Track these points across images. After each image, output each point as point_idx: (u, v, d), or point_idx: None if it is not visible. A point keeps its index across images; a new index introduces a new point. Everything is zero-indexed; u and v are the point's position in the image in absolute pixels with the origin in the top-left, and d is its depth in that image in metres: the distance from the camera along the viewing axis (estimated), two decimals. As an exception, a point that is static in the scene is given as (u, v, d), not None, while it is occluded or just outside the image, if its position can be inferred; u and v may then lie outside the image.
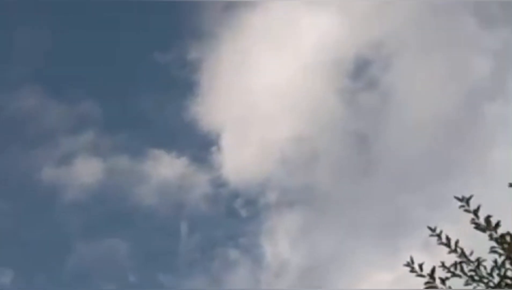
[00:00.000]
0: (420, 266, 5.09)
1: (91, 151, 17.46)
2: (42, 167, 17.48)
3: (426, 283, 5.07)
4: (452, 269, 5.03)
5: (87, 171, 16.48)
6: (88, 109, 17.64)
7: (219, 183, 15.47)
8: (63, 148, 17.55)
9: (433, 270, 5.08)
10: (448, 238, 5.06)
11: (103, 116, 17.87)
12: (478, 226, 4.99)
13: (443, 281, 5.05)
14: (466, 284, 5.00)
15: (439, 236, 5.07)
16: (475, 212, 5.00)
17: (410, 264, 5.09)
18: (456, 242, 5.04)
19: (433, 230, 5.10)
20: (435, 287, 5.06)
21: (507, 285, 4.87)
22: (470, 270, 4.99)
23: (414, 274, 5.08)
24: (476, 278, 4.98)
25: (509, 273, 4.87)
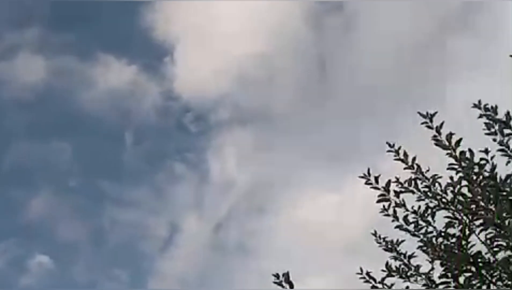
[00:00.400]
0: (376, 178, 5.21)
1: (36, 48, 16.89)
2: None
3: (380, 195, 5.21)
4: (406, 184, 5.18)
5: (30, 68, 15.97)
6: (35, 2, 16.92)
7: (170, 96, 15.27)
8: (5, 42, 16.94)
9: (388, 183, 5.20)
10: (405, 154, 5.17)
11: (51, 12, 17.16)
12: (439, 143, 5.10)
13: (397, 194, 5.19)
14: (419, 199, 5.15)
15: (397, 152, 5.18)
16: (437, 129, 5.10)
17: (366, 175, 5.21)
18: (413, 159, 5.16)
19: (391, 146, 5.20)
20: (388, 199, 5.20)
21: (459, 202, 5.03)
22: (425, 186, 5.14)
23: (369, 186, 5.21)
24: (430, 194, 5.13)
25: (463, 190, 5.02)
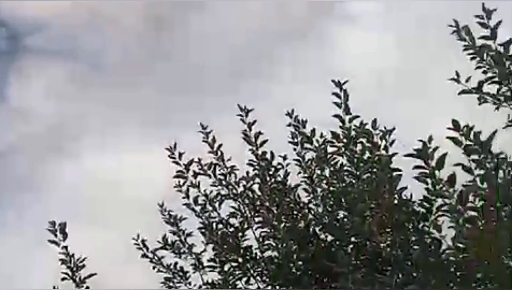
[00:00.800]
0: (180, 155, 5.39)
1: None
2: None
3: (179, 171, 5.40)
4: (206, 168, 5.39)
5: None
6: None
7: None
8: None
9: (190, 163, 5.40)
10: (214, 139, 5.39)
11: None
12: (246, 138, 5.35)
13: (195, 175, 5.39)
14: (213, 185, 5.37)
15: (207, 135, 5.39)
16: (249, 125, 5.34)
17: (171, 149, 5.38)
18: (219, 145, 5.39)
19: (204, 127, 5.41)
20: (186, 178, 5.38)
21: (247, 196, 5.27)
22: (222, 174, 5.37)
23: (172, 160, 5.38)
24: (224, 183, 5.36)
25: (254, 187, 5.28)
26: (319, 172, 5.23)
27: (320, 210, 5.20)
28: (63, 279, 4.67)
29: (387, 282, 4.09)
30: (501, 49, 4.34)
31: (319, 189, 5.21)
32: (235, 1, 9.76)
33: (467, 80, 4.53)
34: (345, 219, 5.02)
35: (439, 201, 4.49)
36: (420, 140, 4.32)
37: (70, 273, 4.67)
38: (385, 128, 4.87)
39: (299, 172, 5.26)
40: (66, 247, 4.76)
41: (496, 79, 4.33)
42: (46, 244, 4.81)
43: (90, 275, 4.66)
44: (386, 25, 9.30)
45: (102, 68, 10.24)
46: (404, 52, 8.64)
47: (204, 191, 5.34)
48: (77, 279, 4.65)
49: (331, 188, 5.11)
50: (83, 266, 4.66)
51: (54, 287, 4.66)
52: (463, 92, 4.55)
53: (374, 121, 4.81)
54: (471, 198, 3.72)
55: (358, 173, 4.88)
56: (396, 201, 4.55)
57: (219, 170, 5.36)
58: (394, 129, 4.84)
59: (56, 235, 4.77)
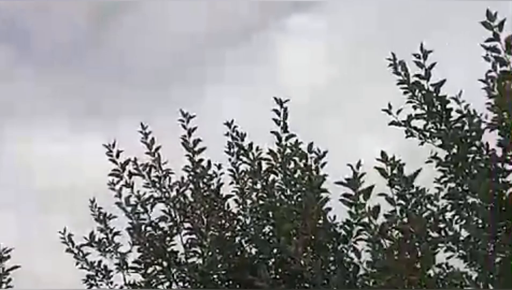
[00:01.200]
0: (118, 153, 5.42)
1: None
2: None
3: (115, 170, 5.42)
4: (141, 168, 5.43)
5: None
6: None
7: None
8: None
9: (126, 162, 5.42)
10: (152, 140, 5.43)
11: None
12: (185, 144, 5.41)
13: (130, 175, 5.42)
14: (146, 186, 5.40)
15: (146, 135, 5.42)
16: (189, 131, 5.41)
17: (109, 146, 5.39)
18: (158, 148, 5.43)
19: (144, 127, 5.42)
20: (121, 177, 5.41)
21: (179, 201, 5.34)
22: (156, 176, 5.41)
23: (109, 157, 5.41)
24: (157, 185, 5.40)
25: (187, 192, 5.35)
26: (251, 185, 5.34)
27: (247, 221, 5.31)
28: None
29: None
30: (432, 88, 4.56)
31: (248, 201, 5.33)
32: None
33: (397, 112, 4.75)
34: (271, 234, 5.15)
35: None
36: (349, 165, 4.48)
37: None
38: (318, 150, 5.03)
39: (231, 182, 5.37)
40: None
41: (425, 116, 4.54)
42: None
43: (14, 267, 4.66)
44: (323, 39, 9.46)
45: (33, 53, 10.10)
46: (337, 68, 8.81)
47: (138, 192, 5.39)
48: (0, 270, 4.64)
49: (261, 202, 5.23)
50: (8, 257, 4.65)
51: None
52: (393, 123, 4.77)
53: (311, 145, 4.95)
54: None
55: (288, 190, 5.03)
56: (321, 223, 4.70)
57: (154, 171, 5.41)
58: (326, 152, 4.99)
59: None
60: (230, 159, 5.39)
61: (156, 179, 5.39)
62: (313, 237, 4.47)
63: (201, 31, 9.75)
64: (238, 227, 5.30)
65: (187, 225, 5.30)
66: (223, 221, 5.29)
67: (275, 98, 5.23)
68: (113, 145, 5.38)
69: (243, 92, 8.56)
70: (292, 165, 5.04)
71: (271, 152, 5.02)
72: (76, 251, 5.32)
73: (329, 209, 4.80)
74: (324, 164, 4.98)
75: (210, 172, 5.38)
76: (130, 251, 5.31)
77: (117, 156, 5.39)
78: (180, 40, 9.63)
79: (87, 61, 9.85)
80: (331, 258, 4.70)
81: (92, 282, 5.27)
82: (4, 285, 4.59)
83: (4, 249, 4.68)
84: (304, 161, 4.87)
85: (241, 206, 5.35)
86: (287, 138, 5.16)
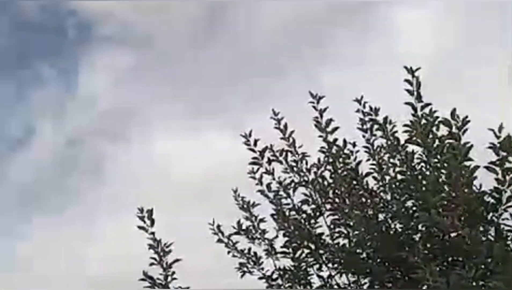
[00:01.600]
0: (256, 141, 5.48)
1: None
2: None
3: (254, 158, 5.49)
4: (278, 154, 5.48)
5: None
6: None
7: None
8: None
9: (264, 149, 5.49)
10: (286, 126, 5.47)
11: None
12: (318, 125, 5.41)
13: (269, 161, 5.48)
14: (285, 171, 5.45)
15: (279, 121, 5.47)
16: (321, 112, 5.40)
17: (247, 136, 5.48)
18: (291, 132, 5.46)
19: (275, 113, 5.48)
20: (261, 164, 5.48)
21: (318, 183, 5.35)
22: (293, 161, 5.45)
23: (247, 146, 5.48)
24: (295, 169, 5.45)
25: (326, 174, 5.36)
26: (387, 159, 5.28)
27: (388, 197, 5.26)
28: (151, 264, 4.83)
29: (465, 275, 4.14)
30: None
31: (387, 177, 5.27)
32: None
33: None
34: (414, 208, 5.08)
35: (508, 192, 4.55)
36: (491, 129, 4.34)
37: (157, 259, 4.83)
38: (458, 117, 4.89)
39: (368, 159, 5.32)
40: (153, 233, 4.92)
41: None
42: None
43: (176, 260, 4.82)
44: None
45: (164, 55, 10.39)
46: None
47: (279, 178, 5.44)
48: (164, 264, 4.80)
49: (399, 176, 5.16)
50: (170, 251, 4.82)
51: (143, 272, 4.80)
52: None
53: (454, 111, 4.80)
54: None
55: (431, 161, 4.93)
56: (471, 192, 4.60)
57: (291, 156, 5.44)
58: (468, 119, 4.85)
59: (144, 221, 4.93)
60: (364, 136, 5.35)
61: (294, 164, 5.43)
62: (467, 208, 4.37)
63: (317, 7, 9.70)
64: (381, 204, 5.26)
65: (329, 206, 5.31)
66: (364, 199, 5.27)
67: (406, 68, 5.12)
68: (250, 134, 5.45)
69: (359, 68, 8.49)
70: (431, 135, 4.94)
71: (411, 123, 4.94)
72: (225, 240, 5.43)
73: (475, 177, 4.70)
74: (465, 130, 4.85)
75: (345, 151, 5.36)
76: (276, 237, 5.38)
77: (255, 144, 5.47)
78: (294, 21, 9.64)
79: (205, 54, 10.00)
80: (483, 228, 4.60)
81: (245, 269, 5.37)
82: (169, 278, 4.77)
83: (165, 243, 4.84)
84: (447, 129, 4.74)
85: (380, 183, 5.31)
86: (422, 108, 5.05)
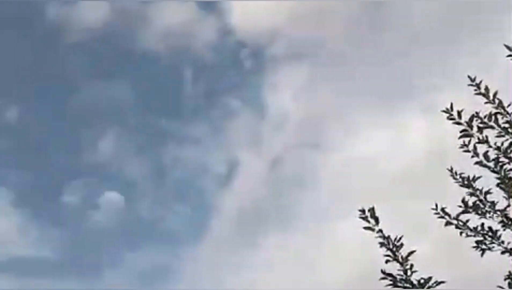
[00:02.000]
0: (459, 113, 5.17)
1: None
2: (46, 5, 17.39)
3: (463, 130, 5.18)
4: (486, 120, 5.12)
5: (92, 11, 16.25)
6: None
7: (226, 31, 14.93)
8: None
9: (471, 119, 5.15)
10: (487, 88, 5.11)
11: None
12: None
13: (480, 130, 5.13)
14: (499, 135, 5.09)
15: (478, 86, 5.13)
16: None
17: (448, 110, 5.18)
18: (495, 93, 5.10)
19: (472, 79, 5.15)
20: (471, 135, 5.16)
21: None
22: (505, 122, 5.07)
23: (451, 121, 5.17)
24: (510, 130, 5.06)
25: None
26: None
27: None
28: (386, 261, 4.68)
29: None
30: None
31: None
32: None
33: None
34: None
35: None
36: None
37: (391, 254, 4.67)
38: None
39: None
40: (381, 230, 4.76)
41: None
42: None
43: (411, 253, 4.63)
44: None
45: (335, 56, 10.41)
46: None
47: (495, 144, 5.08)
48: (400, 259, 4.63)
49: None
50: (402, 245, 4.64)
51: (382, 271, 4.66)
52: None
53: None
54: None
55: None
56: None
57: (502, 118, 5.07)
58: None
59: (368, 221, 4.79)
60: None
61: (507, 125, 5.05)
62: None
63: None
64: None
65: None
66: None
67: None
68: (451, 107, 5.16)
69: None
70: None
71: None
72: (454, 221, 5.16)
73: None
74: None
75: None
76: (509, 205, 5.01)
77: (459, 116, 5.16)
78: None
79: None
80: None
81: (483, 246, 5.05)
82: (409, 272, 4.59)
83: (395, 238, 4.68)
84: None
85: None
86: None
